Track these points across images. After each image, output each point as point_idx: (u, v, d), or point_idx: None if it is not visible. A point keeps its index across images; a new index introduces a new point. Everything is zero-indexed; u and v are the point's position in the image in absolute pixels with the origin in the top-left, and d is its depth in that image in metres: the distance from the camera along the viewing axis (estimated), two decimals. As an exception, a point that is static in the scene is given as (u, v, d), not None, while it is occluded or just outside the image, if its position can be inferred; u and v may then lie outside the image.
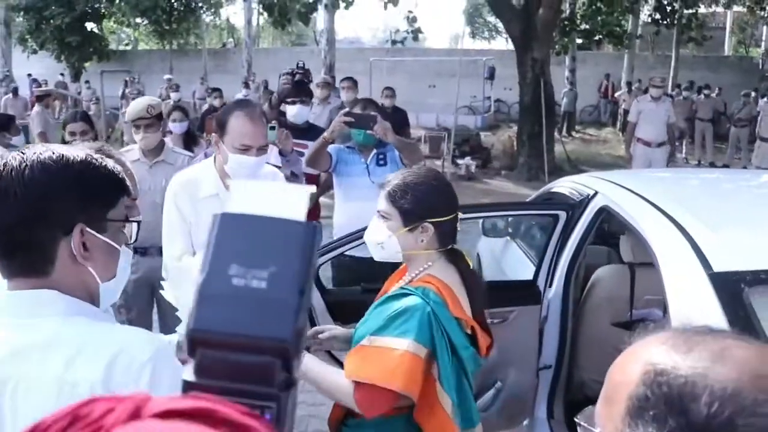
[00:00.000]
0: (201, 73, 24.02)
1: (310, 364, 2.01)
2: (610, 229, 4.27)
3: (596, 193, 3.07)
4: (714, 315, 1.73)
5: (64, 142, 4.17)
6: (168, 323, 3.36)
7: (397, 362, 1.84)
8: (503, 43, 27.34)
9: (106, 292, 1.28)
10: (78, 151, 1.25)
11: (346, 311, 2.95)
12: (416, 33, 21.67)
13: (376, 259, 2.16)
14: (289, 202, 0.74)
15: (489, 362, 3.08)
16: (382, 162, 4.01)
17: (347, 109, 4.15)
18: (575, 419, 0.97)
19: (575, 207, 3.07)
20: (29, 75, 22.92)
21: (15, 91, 14.86)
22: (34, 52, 26.01)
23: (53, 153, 1.20)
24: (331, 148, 4.03)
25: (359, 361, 1.92)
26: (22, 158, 1.18)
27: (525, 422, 3.31)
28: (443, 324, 1.90)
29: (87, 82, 23.42)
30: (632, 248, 3.23)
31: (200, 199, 2.80)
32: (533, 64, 12.49)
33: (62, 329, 1.16)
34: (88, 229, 1.21)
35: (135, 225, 1.35)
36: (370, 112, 3.92)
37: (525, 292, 3.15)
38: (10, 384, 1.12)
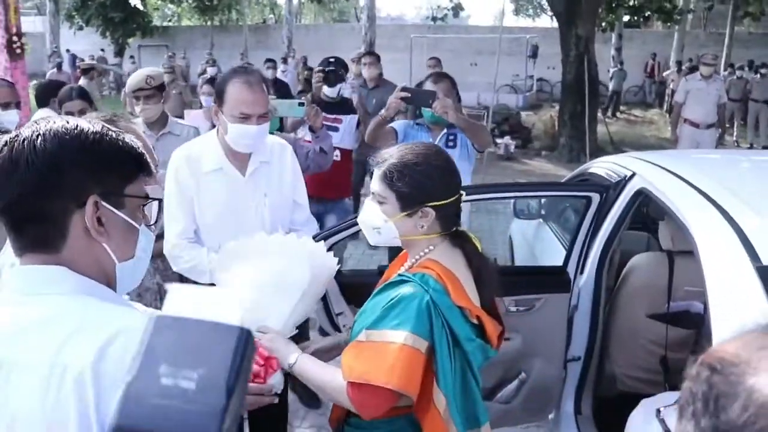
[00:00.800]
0: (242, 49, 24.01)
1: (305, 364, 1.88)
2: (651, 214, 4.03)
3: (634, 174, 2.85)
4: (760, 313, 1.51)
5: None
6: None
7: (394, 358, 1.67)
8: (548, 21, 26.69)
9: (123, 273, 1.23)
10: (94, 122, 1.20)
11: (361, 294, 2.80)
12: (456, 10, 21.26)
13: (372, 243, 1.99)
14: (224, 306, 0.80)
15: (513, 352, 2.91)
16: (451, 143, 3.67)
17: (403, 85, 3.91)
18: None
19: (610, 189, 2.85)
20: (68, 51, 23.25)
21: (59, 66, 15.10)
22: (80, 28, 26.36)
23: (67, 123, 1.16)
24: (398, 123, 3.82)
25: (354, 358, 1.76)
26: (35, 128, 1.14)
27: (551, 416, 3.14)
28: (444, 314, 1.73)
29: (132, 57, 23.67)
30: (672, 235, 3.01)
31: (203, 173, 2.64)
32: (577, 41, 12.09)
33: (65, 308, 1.11)
34: (103, 203, 1.16)
35: (156, 204, 1.29)
36: (430, 88, 3.60)
37: (554, 279, 2.96)
38: (5, 368, 1.07)
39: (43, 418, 1.02)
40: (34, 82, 17.73)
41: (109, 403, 1.00)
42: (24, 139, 1.12)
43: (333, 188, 4.63)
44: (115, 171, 1.19)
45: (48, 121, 1.16)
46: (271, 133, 3.13)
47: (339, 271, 2.77)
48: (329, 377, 1.82)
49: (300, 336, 2.35)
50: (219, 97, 2.60)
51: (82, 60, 14.22)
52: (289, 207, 2.79)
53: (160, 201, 1.30)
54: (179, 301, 1.03)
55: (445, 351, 1.73)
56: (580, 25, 12.02)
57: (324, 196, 4.44)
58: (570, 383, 3.05)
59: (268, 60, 8.68)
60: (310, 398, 4.00)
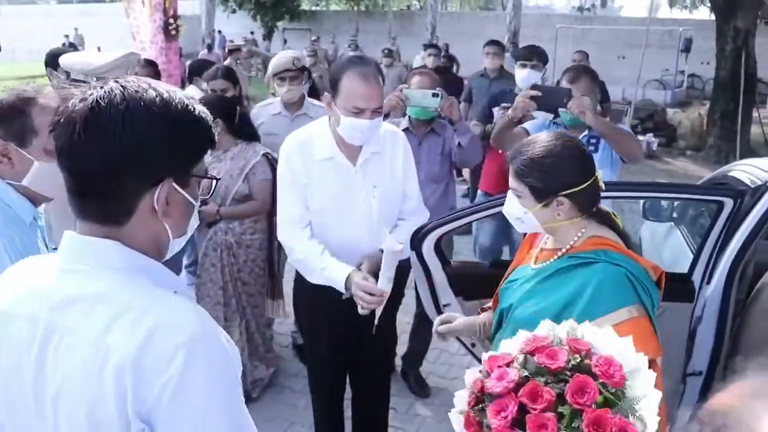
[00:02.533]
0: (386, 35, 24.31)
1: None
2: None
3: (776, 180, 2.61)
4: None
5: None
6: None
7: (638, 333, 1.68)
8: (705, 13, 25.01)
9: (173, 247, 1.22)
10: (179, 92, 1.14)
11: (470, 286, 2.77)
12: (604, 0, 20.38)
13: (520, 231, 2.06)
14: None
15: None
16: (592, 147, 3.27)
17: (535, 82, 3.64)
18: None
19: (746, 194, 2.64)
20: (219, 32, 24.47)
21: (210, 47, 15.92)
22: (233, 11, 27.68)
23: (155, 93, 1.10)
24: (531, 124, 3.48)
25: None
26: (123, 94, 1.08)
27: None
28: (640, 279, 1.81)
29: (285, 41, 24.56)
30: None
31: (315, 161, 2.60)
32: (735, 34, 11.22)
33: (116, 286, 1.10)
34: (174, 184, 1.14)
35: (213, 182, 1.27)
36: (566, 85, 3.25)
37: (676, 287, 2.77)
38: (56, 336, 1.08)
39: (87, 392, 1.04)
40: (188, 62, 18.95)
41: (147, 394, 1.01)
42: (111, 107, 1.07)
43: None
44: (192, 150, 1.17)
45: (138, 87, 1.10)
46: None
47: (447, 263, 2.77)
48: None
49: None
50: (333, 87, 2.51)
51: (231, 41, 14.88)
52: (398, 198, 2.73)
53: (216, 179, 1.29)
54: None
55: (652, 311, 1.82)
56: (740, 17, 11.14)
57: None
58: (689, 398, 2.87)
59: (429, 46, 8.63)
60: (419, 386, 4.01)
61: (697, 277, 2.76)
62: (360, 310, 2.45)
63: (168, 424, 1.02)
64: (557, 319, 1.76)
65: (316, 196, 2.62)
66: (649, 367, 1.72)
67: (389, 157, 2.66)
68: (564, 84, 3.28)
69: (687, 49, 19.06)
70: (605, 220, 1.96)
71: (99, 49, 15.79)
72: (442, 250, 2.72)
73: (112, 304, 1.07)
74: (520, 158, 1.89)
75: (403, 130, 3.24)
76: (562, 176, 1.85)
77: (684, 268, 2.92)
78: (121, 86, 1.09)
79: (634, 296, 1.78)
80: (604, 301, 1.77)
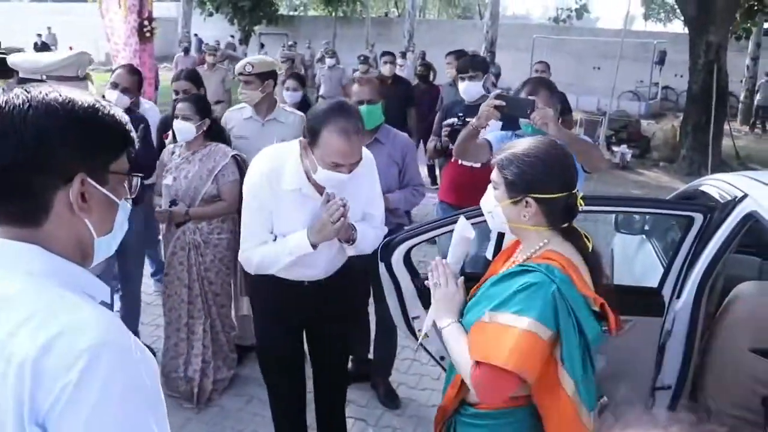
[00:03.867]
0: (363, 41, 24.30)
1: (452, 333, 1.96)
2: (766, 239, 3.72)
3: (745, 195, 2.62)
4: None
5: (174, 99, 4.27)
6: None
7: (515, 341, 1.75)
8: (679, 26, 25.38)
9: (100, 247, 1.22)
10: (86, 95, 1.17)
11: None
12: (580, 11, 20.58)
13: (490, 227, 2.09)
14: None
15: (596, 374, 2.76)
16: None
17: (499, 91, 3.62)
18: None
19: (715, 210, 2.64)
20: (195, 35, 24.33)
21: (186, 50, 15.75)
22: (210, 14, 27.51)
23: (60, 95, 1.13)
24: (493, 135, 3.44)
25: (477, 339, 1.85)
26: (26, 97, 1.11)
27: (633, 445, 2.96)
28: (570, 303, 1.79)
29: (262, 45, 24.43)
30: (786, 264, 2.75)
31: (282, 190, 2.55)
32: (707, 48, 11.38)
33: (27, 290, 1.09)
34: (89, 180, 1.14)
35: (137, 180, 1.26)
36: (530, 96, 3.15)
37: (646, 301, 2.78)
38: None
39: None
40: (164, 64, 18.82)
41: (44, 399, 0.99)
42: (14, 108, 1.10)
43: None
44: (104, 148, 1.18)
45: (42, 90, 1.13)
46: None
47: (416, 275, 2.73)
48: (464, 355, 1.88)
49: None
50: (312, 136, 2.42)
51: (208, 44, 14.77)
52: (358, 218, 2.71)
53: (139, 176, 1.28)
54: None
55: (573, 338, 1.79)
56: (712, 31, 11.31)
57: None
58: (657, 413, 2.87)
59: (386, 53, 8.35)
60: (389, 398, 3.97)
61: (667, 292, 2.76)
62: (333, 225, 2.46)
63: (59, 430, 1.00)
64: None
65: (282, 223, 2.60)
66: (543, 391, 1.85)
67: (355, 186, 2.59)
68: (523, 96, 3.20)
69: (661, 61, 19.29)
70: (572, 238, 1.94)
71: (71, 49, 15.58)
72: (411, 262, 2.69)
73: (21, 308, 1.06)
74: (506, 152, 1.94)
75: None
76: (535, 177, 1.86)
77: (655, 282, 2.91)
78: (26, 90, 1.13)
79: (546, 315, 1.76)
80: (519, 301, 1.78)
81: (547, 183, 1.85)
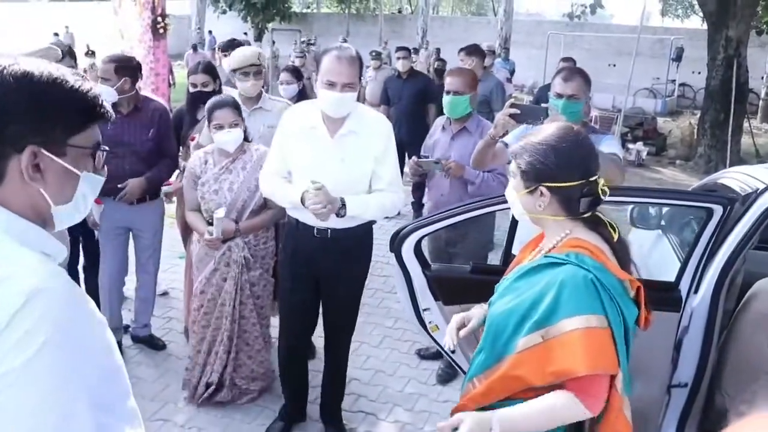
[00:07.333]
0: (376, 38, 24.22)
1: (508, 421, 1.77)
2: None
3: None
4: None
5: (191, 93, 4.22)
6: None
7: (585, 345, 1.68)
8: (697, 22, 25.07)
9: (59, 216, 1.25)
10: (51, 68, 1.18)
11: (451, 290, 2.68)
12: (595, 7, 20.41)
13: (515, 216, 2.00)
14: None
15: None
16: None
17: (513, 100, 3.58)
18: None
19: (736, 202, 2.56)
20: (210, 32, 24.34)
21: (194, 48, 15.87)
22: (224, 12, 27.54)
23: (18, 68, 1.15)
24: (511, 135, 3.35)
25: (545, 363, 1.74)
26: None
27: (649, 443, 2.88)
28: (609, 289, 1.74)
29: (273, 42, 24.46)
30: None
31: (301, 127, 3.05)
32: (726, 43, 11.20)
33: None
34: (43, 151, 1.17)
35: (102, 154, 1.29)
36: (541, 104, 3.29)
37: (661, 296, 2.69)
38: None
39: None
40: (178, 62, 18.85)
41: None
42: None
43: None
44: (61, 121, 1.19)
45: (2, 63, 1.15)
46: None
47: (427, 267, 2.68)
48: (537, 411, 1.76)
49: None
50: (318, 69, 2.95)
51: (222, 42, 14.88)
52: (364, 176, 3.05)
53: (105, 151, 1.30)
54: None
55: (618, 325, 1.74)
56: (732, 26, 11.13)
57: None
58: (673, 411, 2.80)
59: (400, 48, 8.25)
60: None
61: (684, 286, 2.68)
62: (317, 217, 2.90)
63: None
64: (525, 317, 1.78)
65: (297, 156, 3.07)
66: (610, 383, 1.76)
67: (365, 138, 3.02)
68: (556, 84, 3.17)
69: (678, 57, 19.10)
70: (597, 226, 1.87)
71: (87, 47, 15.63)
72: (422, 252, 2.64)
73: None
74: (522, 141, 1.89)
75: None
76: (546, 166, 1.79)
77: (671, 277, 2.84)
78: None
79: (595, 304, 1.71)
80: (564, 304, 1.71)
81: (560, 171, 1.79)
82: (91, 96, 1.22)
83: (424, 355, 4.41)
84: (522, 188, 1.86)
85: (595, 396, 1.74)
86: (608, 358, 1.71)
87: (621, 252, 1.87)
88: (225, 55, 5.86)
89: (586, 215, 1.85)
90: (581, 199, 1.81)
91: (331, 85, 2.87)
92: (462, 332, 2.11)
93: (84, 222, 3.89)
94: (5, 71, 1.14)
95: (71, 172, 1.22)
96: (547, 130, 1.86)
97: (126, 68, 3.87)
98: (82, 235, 4.40)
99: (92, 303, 1.20)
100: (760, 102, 18.77)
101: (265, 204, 3.52)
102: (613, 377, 1.76)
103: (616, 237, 1.86)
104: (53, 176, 1.19)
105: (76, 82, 1.20)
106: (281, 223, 3.62)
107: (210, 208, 3.49)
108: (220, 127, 3.42)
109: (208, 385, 3.67)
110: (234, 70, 4.05)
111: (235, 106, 3.49)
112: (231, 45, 5.85)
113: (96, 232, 4.18)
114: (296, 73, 5.47)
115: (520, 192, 1.87)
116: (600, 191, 1.82)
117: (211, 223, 3.46)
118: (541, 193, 1.81)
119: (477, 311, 2.16)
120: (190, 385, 3.73)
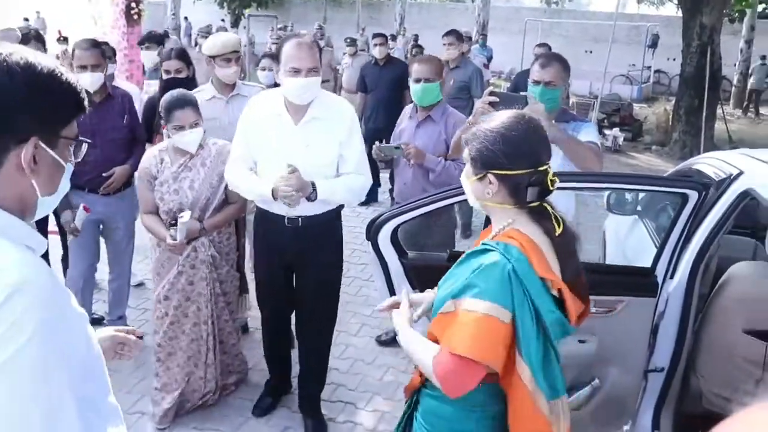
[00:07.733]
0: (354, 25, 24.05)
1: (408, 337, 1.93)
2: (762, 219, 3.67)
3: (741, 173, 2.56)
4: None
5: (164, 80, 4.15)
6: None
7: (475, 327, 1.69)
8: (672, 9, 25.19)
9: (42, 205, 1.24)
10: (47, 59, 1.18)
11: (428, 278, 2.66)
12: (571, -8, 20.39)
13: (470, 203, 2.01)
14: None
15: (587, 356, 2.71)
16: None
17: (492, 88, 3.57)
18: None
19: (710, 187, 2.57)
20: (185, 18, 24.04)
21: (166, 33, 15.76)
22: (199, -2, 27.16)
23: (21, 58, 1.13)
24: None
25: (442, 329, 1.79)
26: None
27: (626, 428, 2.91)
28: (525, 284, 1.72)
29: (245, 28, 24.24)
30: (780, 243, 2.70)
31: (265, 115, 3.11)
32: (701, 31, 11.30)
33: None
34: (41, 143, 1.16)
35: (84, 145, 1.29)
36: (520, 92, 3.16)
37: (638, 281, 2.71)
38: None
39: None
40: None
41: None
42: None
43: None
44: (58, 112, 1.20)
45: (4, 51, 1.13)
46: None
47: (405, 255, 2.66)
48: (423, 354, 1.82)
49: None
50: (278, 59, 3.01)
51: (209, 26, 14.85)
52: (330, 160, 3.10)
53: (87, 142, 1.30)
54: None
55: (528, 321, 1.72)
56: (706, 13, 11.22)
57: None
58: (650, 395, 2.82)
59: (377, 35, 8.14)
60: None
61: (660, 271, 2.70)
62: (288, 206, 2.99)
63: None
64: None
65: (261, 144, 3.11)
66: (505, 376, 1.77)
67: (329, 124, 3.07)
68: (534, 71, 3.16)
69: (654, 44, 19.21)
70: (541, 218, 1.84)
71: (59, 33, 15.37)
72: (398, 240, 2.62)
73: None
74: (474, 127, 1.89)
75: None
76: (493, 154, 1.79)
77: (647, 262, 2.85)
78: None
79: (504, 296, 1.70)
80: (474, 285, 1.73)
81: (508, 159, 1.77)
82: (79, 88, 1.23)
83: (384, 341, 4.41)
84: (472, 175, 1.86)
85: (454, 372, 1.71)
86: (490, 349, 1.69)
87: (561, 246, 1.85)
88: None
89: (533, 205, 1.83)
90: (528, 188, 1.79)
91: (296, 71, 2.91)
92: (415, 315, 2.08)
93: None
94: (11, 60, 1.12)
95: (59, 164, 1.22)
96: (500, 117, 1.85)
97: (106, 54, 3.88)
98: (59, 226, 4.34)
99: (73, 296, 1.18)
100: (733, 88, 18.98)
101: (227, 199, 3.43)
102: (512, 372, 1.75)
103: (559, 231, 1.83)
104: (45, 168, 1.19)
105: (68, 75, 1.20)
106: (241, 217, 3.68)
107: (171, 208, 3.32)
108: (181, 128, 3.24)
109: (204, 395, 3.56)
110: (213, 57, 3.95)
111: (194, 104, 3.32)
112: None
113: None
114: (277, 59, 5.44)
115: (471, 179, 1.87)
116: (549, 181, 1.80)
117: (173, 225, 3.31)
118: (490, 180, 1.80)
119: (429, 295, 2.16)
120: (162, 404, 3.48)
